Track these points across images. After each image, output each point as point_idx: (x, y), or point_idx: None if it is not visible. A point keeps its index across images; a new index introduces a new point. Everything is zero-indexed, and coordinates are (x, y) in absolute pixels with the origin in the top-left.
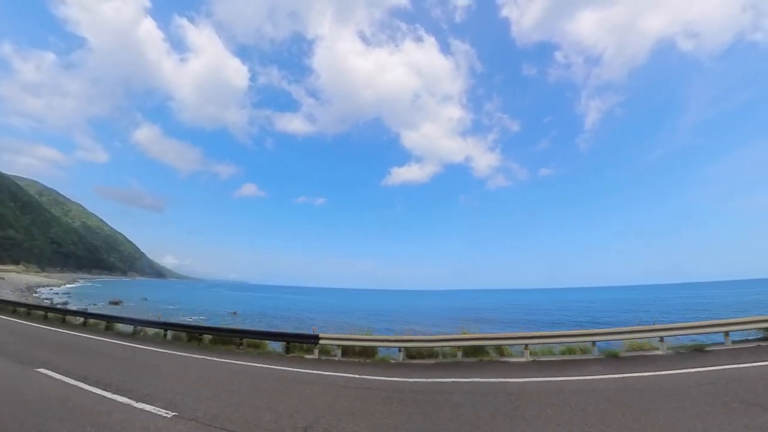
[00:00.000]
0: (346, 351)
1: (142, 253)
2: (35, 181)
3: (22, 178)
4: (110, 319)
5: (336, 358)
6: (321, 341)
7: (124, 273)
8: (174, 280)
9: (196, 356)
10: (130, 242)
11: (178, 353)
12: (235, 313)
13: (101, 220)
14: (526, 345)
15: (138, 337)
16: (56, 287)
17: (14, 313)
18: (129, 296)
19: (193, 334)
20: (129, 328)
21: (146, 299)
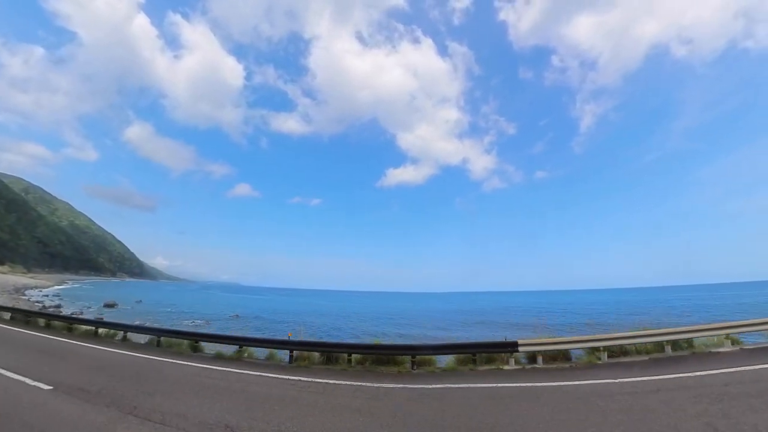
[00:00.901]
0: (535, 356)
1: (132, 253)
2: (20, 179)
3: (7, 175)
4: (198, 338)
5: (539, 366)
6: (520, 348)
7: (113, 274)
8: (164, 282)
9: (378, 385)
10: (119, 242)
11: (344, 382)
12: (236, 316)
13: (90, 220)
14: (727, 335)
15: (244, 360)
16: (45, 289)
17: (48, 327)
18: (122, 298)
19: (335, 354)
20: (214, 348)
21: (141, 301)
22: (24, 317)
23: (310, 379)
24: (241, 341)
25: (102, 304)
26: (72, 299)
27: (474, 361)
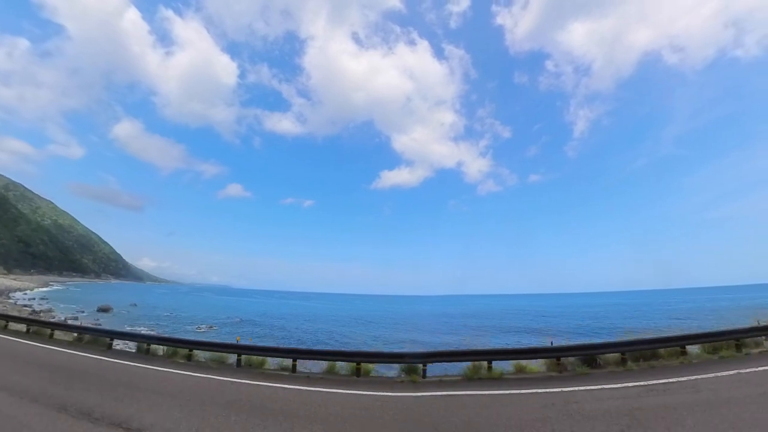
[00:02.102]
0: None
1: (118, 254)
2: (1, 175)
3: None
4: (429, 359)
5: None
6: None
7: (97, 275)
8: (152, 284)
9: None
10: (105, 243)
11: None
12: (240, 320)
13: (74, 219)
14: None
15: (503, 378)
16: (29, 291)
17: (145, 352)
18: (114, 302)
19: (596, 356)
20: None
21: (135, 305)
22: (101, 337)
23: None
24: (489, 354)
25: (95, 308)
26: (62, 302)
27: (737, 347)
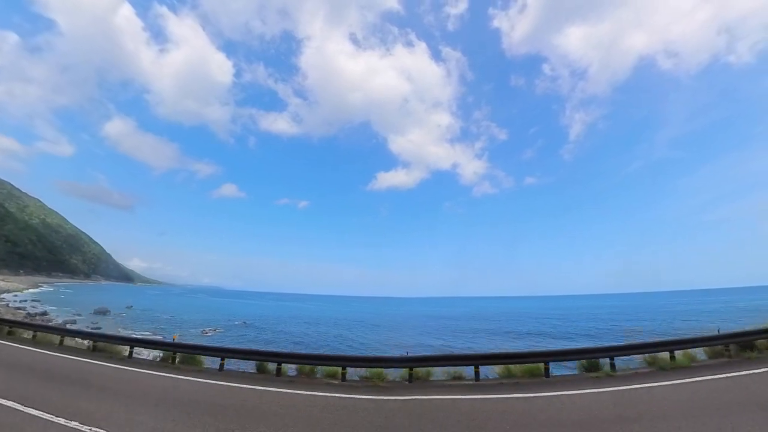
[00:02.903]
0: None
1: (108, 254)
2: None
3: None
4: (614, 352)
5: None
6: None
7: (87, 276)
8: (143, 285)
9: None
10: (94, 243)
11: None
12: (244, 323)
13: (63, 218)
14: None
15: (655, 371)
16: (19, 293)
17: (275, 373)
18: (109, 304)
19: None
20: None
21: (131, 307)
22: (208, 356)
23: None
24: (671, 345)
25: (92, 311)
26: (55, 305)
27: None
